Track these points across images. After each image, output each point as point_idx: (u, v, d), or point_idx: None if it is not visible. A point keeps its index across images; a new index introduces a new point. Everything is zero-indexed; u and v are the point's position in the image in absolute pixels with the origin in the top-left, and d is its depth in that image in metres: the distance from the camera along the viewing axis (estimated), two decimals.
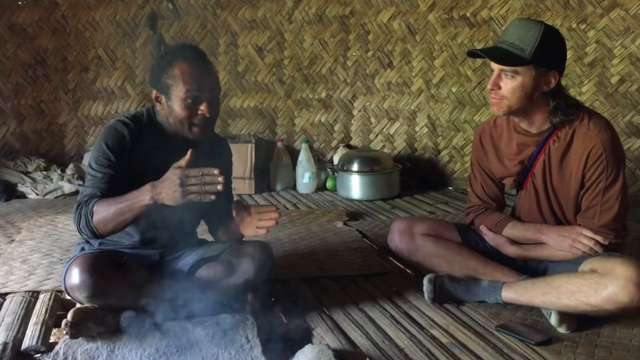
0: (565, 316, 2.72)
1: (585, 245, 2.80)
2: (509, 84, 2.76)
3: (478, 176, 3.17)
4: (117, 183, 2.63)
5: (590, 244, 2.79)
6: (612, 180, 2.77)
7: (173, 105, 2.67)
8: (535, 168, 2.94)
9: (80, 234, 2.62)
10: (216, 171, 2.40)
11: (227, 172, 3.05)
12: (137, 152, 2.71)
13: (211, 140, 2.94)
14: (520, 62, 2.72)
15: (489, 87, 2.82)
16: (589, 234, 2.80)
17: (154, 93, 2.74)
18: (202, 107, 2.68)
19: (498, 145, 3.07)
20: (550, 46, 2.74)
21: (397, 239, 3.23)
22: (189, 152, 2.47)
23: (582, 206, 2.87)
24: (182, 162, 2.46)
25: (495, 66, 2.79)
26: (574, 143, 2.82)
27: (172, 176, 2.43)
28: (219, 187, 2.40)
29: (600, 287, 2.59)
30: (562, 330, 2.71)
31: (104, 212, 2.52)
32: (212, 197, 2.41)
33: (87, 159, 5.45)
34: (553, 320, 2.74)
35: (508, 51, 2.73)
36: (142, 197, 2.47)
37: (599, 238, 2.78)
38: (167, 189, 2.43)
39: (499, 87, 2.78)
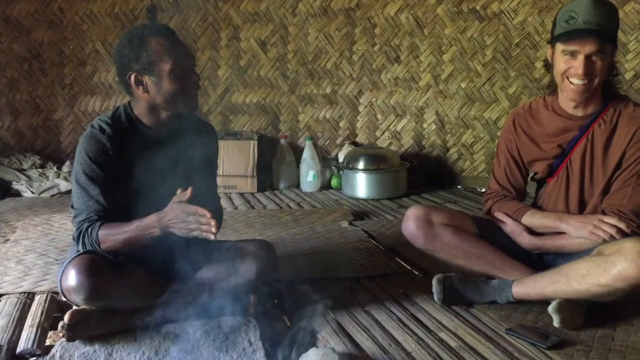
0: (565, 305, 2.73)
1: (607, 232, 2.81)
2: (599, 64, 2.81)
3: (503, 161, 3.18)
4: (106, 194, 2.69)
5: (612, 232, 2.79)
6: None
7: (161, 81, 2.69)
8: (573, 153, 2.98)
9: None
10: (209, 215, 2.50)
11: (213, 158, 3.10)
12: (121, 157, 2.73)
13: (195, 126, 2.96)
14: (614, 40, 2.84)
15: (583, 73, 2.81)
16: (612, 221, 2.81)
17: (132, 77, 2.71)
18: (192, 76, 2.75)
19: (534, 128, 3.09)
20: (618, 22, 2.88)
21: (412, 226, 3.15)
22: (189, 190, 2.55)
23: (612, 188, 2.91)
24: (184, 197, 2.56)
25: (582, 52, 2.80)
26: (619, 126, 2.89)
27: (179, 213, 2.55)
28: (213, 231, 2.52)
29: (609, 265, 2.61)
30: (555, 321, 2.72)
31: (111, 242, 2.65)
32: (212, 236, 2.53)
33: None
34: (551, 307, 2.75)
35: (598, 31, 2.78)
36: (151, 229, 2.62)
37: (622, 225, 2.79)
38: (176, 225, 2.57)
39: (592, 70, 2.82)
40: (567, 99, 2.94)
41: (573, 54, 2.81)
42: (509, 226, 3.09)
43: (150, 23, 3.00)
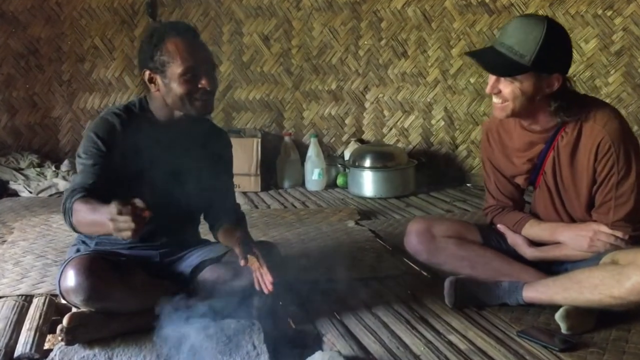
0: (573, 312, 2.73)
1: (605, 243, 2.82)
2: (509, 87, 2.75)
3: (491, 175, 3.17)
4: (107, 174, 2.64)
5: (610, 241, 2.81)
6: (625, 174, 2.77)
7: (170, 83, 2.69)
8: (545, 166, 2.95)
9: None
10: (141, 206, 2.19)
11: (227, 164, 3.10)
12: (129, 144, 2.71)
13: (209, 131, 2.98)
14: (518, 71, 2.71)
15: (488, 91, 2.81)
16: (607, 230, 2.83)
17: (147, 74, 2.74)
18: (203, 81, 2.70)
19: (505, 143, 3.07)
20: (553, 50, 2.72)
21: (415, 241, 3.22)
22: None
23: (596, 202, 2.89)
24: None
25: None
26: (582, 138, 2.82)
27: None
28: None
29: (623, 277, 2.60)
30: (563, 328, 2.71)
31: (80, 215, 2.43)
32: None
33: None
34: (558, 314, 2.74)
35: (505, 57, 2.73)
36: (103, 224, 2.23)
37: (618, 234, 2.81)
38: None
39: (499, 91, 2.78)
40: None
41: None
42: (509, 239, 3.11)
43: (177, 22, 2.98)
